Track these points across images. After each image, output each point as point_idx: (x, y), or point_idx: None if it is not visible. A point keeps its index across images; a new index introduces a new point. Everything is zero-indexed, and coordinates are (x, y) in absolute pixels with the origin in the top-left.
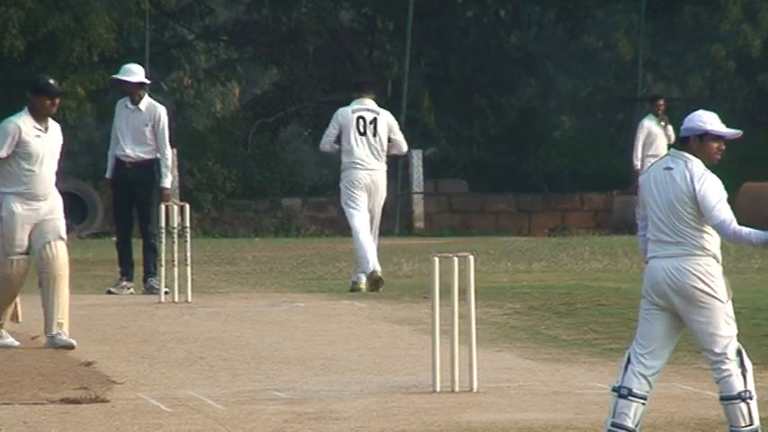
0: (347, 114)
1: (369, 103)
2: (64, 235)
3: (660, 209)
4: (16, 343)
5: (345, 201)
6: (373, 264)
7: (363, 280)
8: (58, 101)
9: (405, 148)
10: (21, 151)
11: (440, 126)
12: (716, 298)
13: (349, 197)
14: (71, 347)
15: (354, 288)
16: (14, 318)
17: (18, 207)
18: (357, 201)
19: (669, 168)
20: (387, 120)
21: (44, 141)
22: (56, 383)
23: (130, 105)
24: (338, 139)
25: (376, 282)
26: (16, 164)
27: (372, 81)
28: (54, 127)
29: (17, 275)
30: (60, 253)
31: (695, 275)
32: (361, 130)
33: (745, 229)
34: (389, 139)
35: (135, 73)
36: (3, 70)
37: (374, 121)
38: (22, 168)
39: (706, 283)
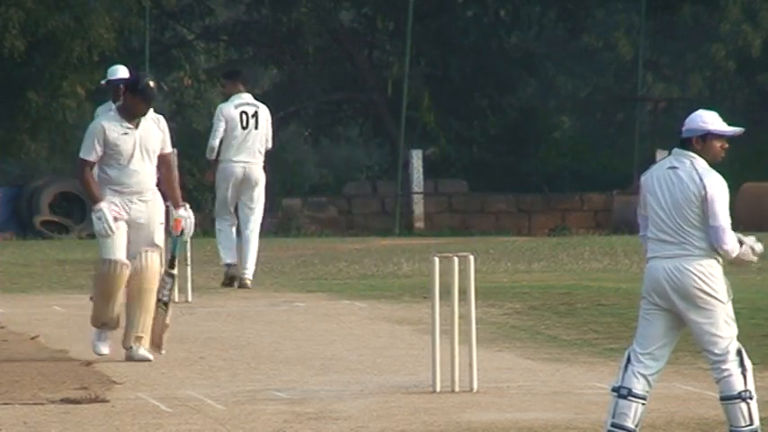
0: (231, 110)
1: (247, 97)
2: (160, 242)
3: (663, 209)
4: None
5: (222, 197)
6: (234, 259)
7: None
8: (151, 104)
9: (270, 144)
10: (109, 151)
11: (440, 126)
12: (716, 298)
13: (224, 193)
14: (147, 361)
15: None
16: (157, 347)
17: (115, 203)
18: (232, 199)
19: (674, 168)
20: (266, 114)
21: (133, 139)
22: (56, 383)
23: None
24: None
25: (231, 278)
26: (107, 164)
27: (244, 72)
28: (148, 123)
29: (111, 277)
30: (151, 264)
31: (696, 276)
32: (244, 124)
33: (733, 241)
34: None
35: (123, 71)
36: (3, 70)
37: (255, 114)
38: (113, 168)
39: (707, 284)
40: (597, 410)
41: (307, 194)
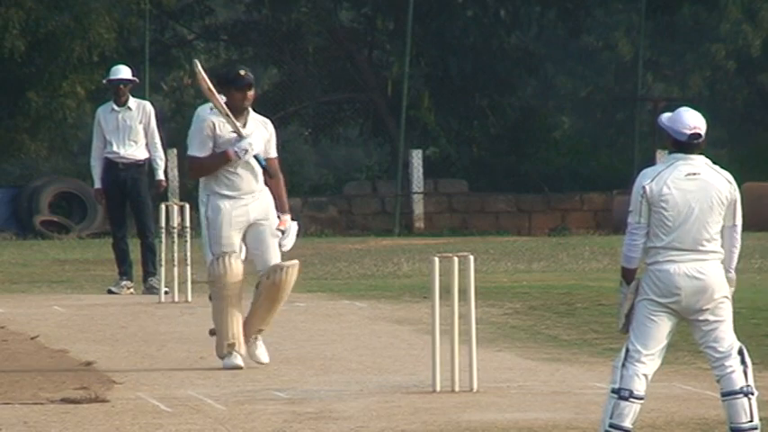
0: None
1: None
2: (287, 243)
3: (687, 218)
4: (241, 364)
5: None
6: None
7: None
8: (251, 93)
9: None
10: (216, 149)
11: (440, 126)
12: (728, 298)
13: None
14: (262, 363)
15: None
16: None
17: (224, 207)
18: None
19: (695, 174)
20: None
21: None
22: (56, 383)
23: (117, 107)
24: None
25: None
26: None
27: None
28: (255, 123)
29: (229, 276)
30: (290, 277)
31: (716, 277)
32: None
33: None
34: None
35: (126, 71)
36: (3, 70)
37: None
38: (221, 168)
39: (724, 284)
40: (597, 410)
41: (307, 194)
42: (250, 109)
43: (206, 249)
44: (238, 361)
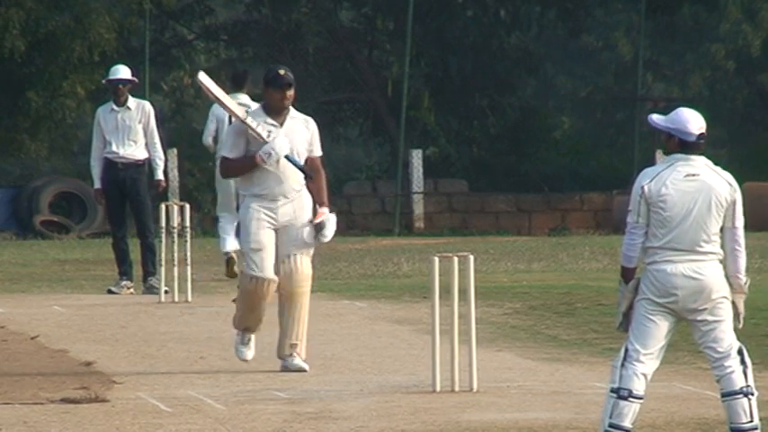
0: (221, 110)
1: (242, 98)
2: (311, 241)
3: (685, 218)
4: (249, 358)
5: (224, 194)
6: (235, 247)
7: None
8: (290, 93)
9: None
10: (252, 149)
11: (440, 126)
12: (727, 298)
13: (226, 189)
14: (302, 371)
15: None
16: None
17: (256, 208)
18: (234, 194)
19: (694, 175)
20: None
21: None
22: (56, 383)
23: (116, 107)
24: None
25: (233, 265)
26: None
27: (249, 75)
28: (295, 122)
29: (257, 295)
30: (302, 267)
31: (714, 277)
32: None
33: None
34: None
35: (125, 71)
36: (3, 70)
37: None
38: (257, 168)
39: (722, 285)
40: (597, 410)
41: None
42: (291, 108)
43: (246, 258)
44: (249, 355)
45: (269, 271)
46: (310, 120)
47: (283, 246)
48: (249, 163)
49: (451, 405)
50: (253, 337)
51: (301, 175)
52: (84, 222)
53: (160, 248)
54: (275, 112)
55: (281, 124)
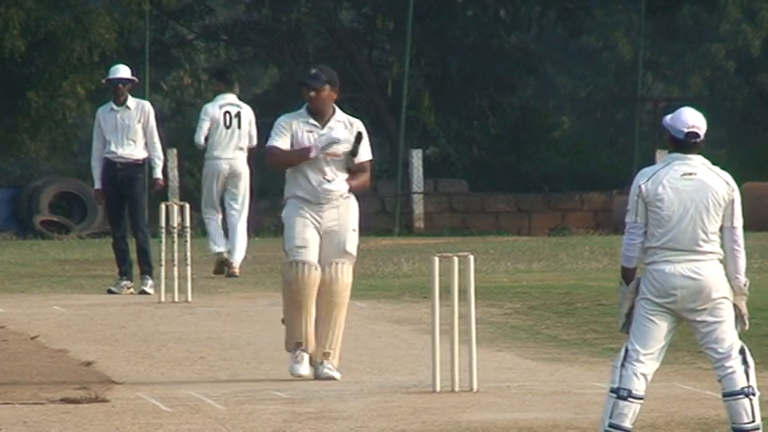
0: (215, 109)
1: (231, 98)
2: (353, 250)
3: (682, 218)
4: (305, 373)
5: (209, 192)
6: (223, 247)
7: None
8: (324, 93)
9: (255, 141)
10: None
11: (440, 126)
12: (727, 298)
13: (211, 188)
14: (333, 379)
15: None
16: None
17: (299, 206)
18: (218, 193)
19: (691, 174)
20: (249, 115)
21: (315, 138)
22: (56, 383)
23: (116, 107)
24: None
25: (221, 264)
26: (295, 166)
27: (234, 75)
28: (337, 124)
29: (300, 282)
30: (342, 275)
31: (713, 277)
32: (227, 123)
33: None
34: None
35: (125, 70)
36: (3, 70)
37: (238, 114)
38: (304, 170)
39: (722, 285)
40: (597, 410)
41: None
42: (338, 110)
43: (286, 250)
44: (303, 371)
45: (312, 257)
46: (356, 121)
47: (325, 253)
48: (302, 154)
49: (451, 405)
50: (306, 356)
51: (344, 180)
52: (84, 222)
53: (160, 248)
54: (315, 113)
55: (322, 126)
